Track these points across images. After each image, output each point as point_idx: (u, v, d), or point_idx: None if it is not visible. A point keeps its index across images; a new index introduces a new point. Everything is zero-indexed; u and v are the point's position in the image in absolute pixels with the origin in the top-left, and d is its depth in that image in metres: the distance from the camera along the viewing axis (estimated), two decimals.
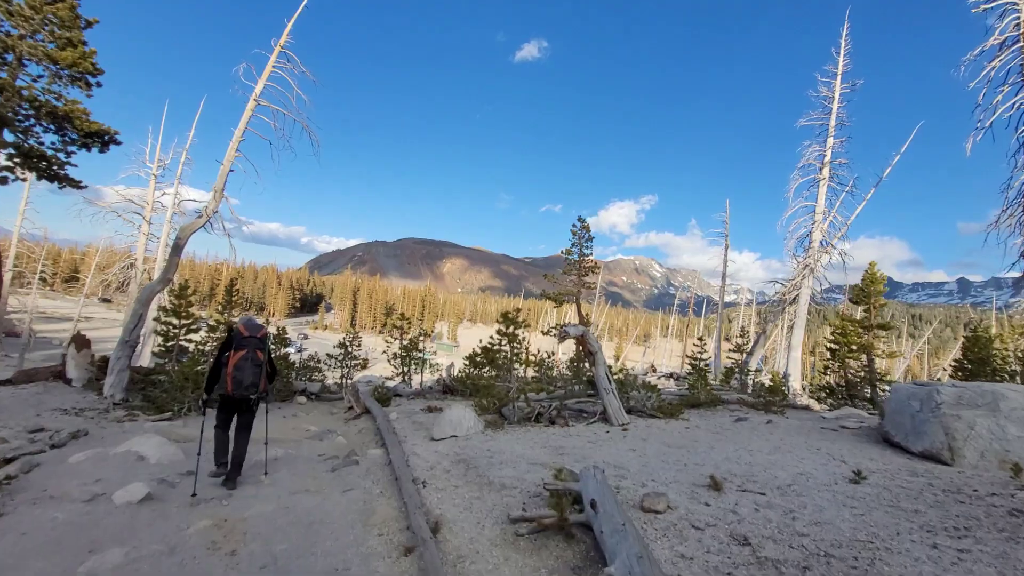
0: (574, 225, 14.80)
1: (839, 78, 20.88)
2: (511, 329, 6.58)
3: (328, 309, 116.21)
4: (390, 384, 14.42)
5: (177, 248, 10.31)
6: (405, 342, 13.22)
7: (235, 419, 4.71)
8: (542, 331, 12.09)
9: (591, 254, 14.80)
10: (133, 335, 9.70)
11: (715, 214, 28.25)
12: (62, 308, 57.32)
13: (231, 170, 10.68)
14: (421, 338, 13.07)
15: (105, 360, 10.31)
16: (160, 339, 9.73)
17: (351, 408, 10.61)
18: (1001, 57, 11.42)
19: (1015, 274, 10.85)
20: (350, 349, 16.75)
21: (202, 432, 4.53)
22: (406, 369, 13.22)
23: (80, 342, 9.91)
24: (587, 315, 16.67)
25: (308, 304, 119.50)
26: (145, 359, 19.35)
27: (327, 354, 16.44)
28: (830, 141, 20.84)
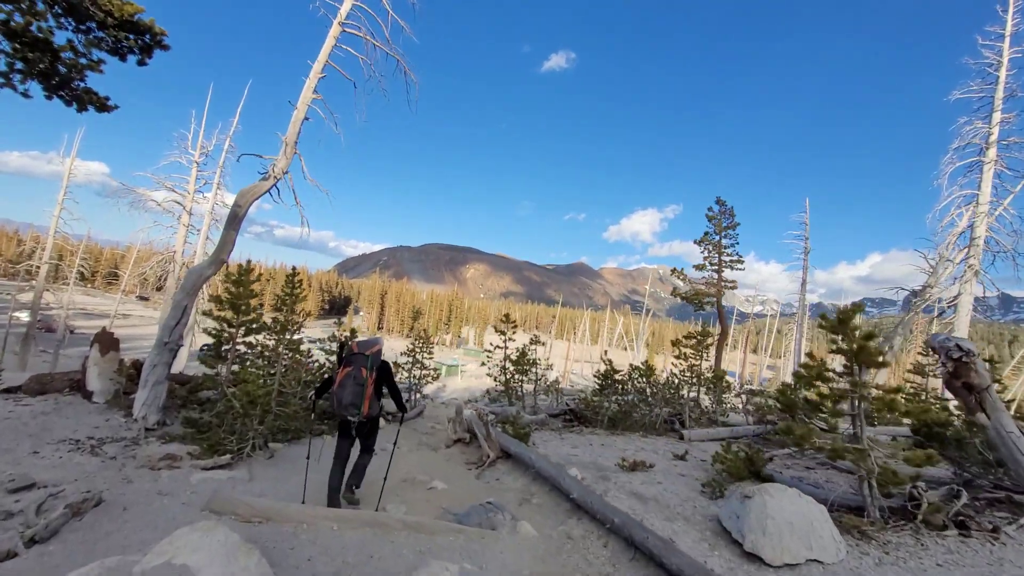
0: (710, 208, 11.49)
1: (1007, 40, 16.98)
2: (869, 340, 3.40)
3: (356, 311, 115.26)
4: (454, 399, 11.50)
5: (234, 219, 7.68)
6: (512, 353, 10.19)
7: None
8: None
9: (736, 245, 11.43)
10: (174, 335, 7.06)
11: (793, 215, 24.62)
12: (102, 305, 57.29)
13: (306, 118, 8.05)
14: (532, 348, 10.06)
15: (137, 366, 7.70)
16: (211, 340, 7.03)
17: (459, 441, 7.69)
18: None
19: None
20: (419, 357, 14.01)
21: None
22: (515, 388, 10.18)
23: (105, 343, 7.32)
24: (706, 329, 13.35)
25: (337, 306, 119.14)
26: (181, 363, 17.02)
27: (394, 362, 13.83)
28: (996, 116, 16.86)
